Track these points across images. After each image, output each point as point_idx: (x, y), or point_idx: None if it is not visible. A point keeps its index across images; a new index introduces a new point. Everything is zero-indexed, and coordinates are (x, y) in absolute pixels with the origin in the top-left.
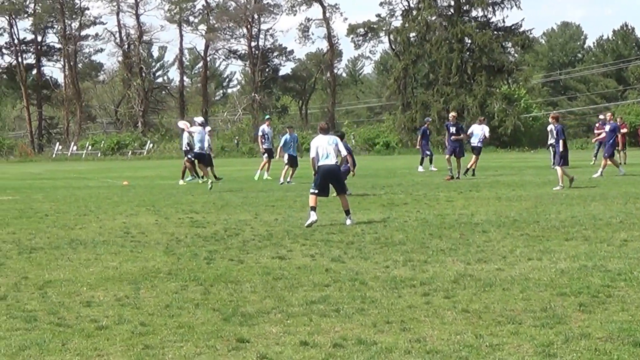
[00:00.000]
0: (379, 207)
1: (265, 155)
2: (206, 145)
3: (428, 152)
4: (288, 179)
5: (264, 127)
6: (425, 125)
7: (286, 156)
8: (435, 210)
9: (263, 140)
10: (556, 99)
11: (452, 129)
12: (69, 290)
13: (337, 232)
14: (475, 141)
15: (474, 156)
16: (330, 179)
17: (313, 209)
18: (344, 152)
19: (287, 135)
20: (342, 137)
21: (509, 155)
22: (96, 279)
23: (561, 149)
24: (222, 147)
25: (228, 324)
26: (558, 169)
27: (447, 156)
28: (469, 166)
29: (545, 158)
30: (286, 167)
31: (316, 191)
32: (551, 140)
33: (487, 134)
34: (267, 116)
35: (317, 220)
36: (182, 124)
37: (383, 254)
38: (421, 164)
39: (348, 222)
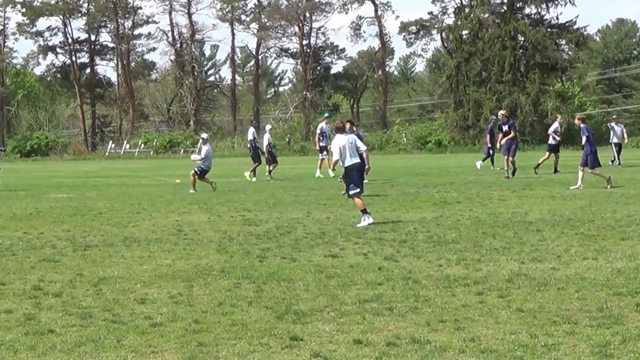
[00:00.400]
0: (432, 206)
1: (324, 152)
2: (266, 143)
3: (491, 151)
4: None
5: (323, 125)
6: (491, 124)
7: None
8: (489, 208)
9: (321, 138)
10: (611, 97)
11: (504, 127)
12: (123, 288)
13: (389, 230)
14: (552, 139)
15: (549, 153)
16: (361, 174)
17: (365, 211)
18: (363, 148)
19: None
20: (352, 123)
21: (563, 153)
22: (150, 277)
23: (588, 149)
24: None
25: (281, 321)
26: (580, 169)
27: (505, 157)
28: (540, 162)
29: (602, 156)
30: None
31: (358, 190)
32: (614, 140)
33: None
34: (326, 114)
35: (373, 222)
36: (251, 132)
37: (436, 252)
38: (483, 161)
39: (366, 221)
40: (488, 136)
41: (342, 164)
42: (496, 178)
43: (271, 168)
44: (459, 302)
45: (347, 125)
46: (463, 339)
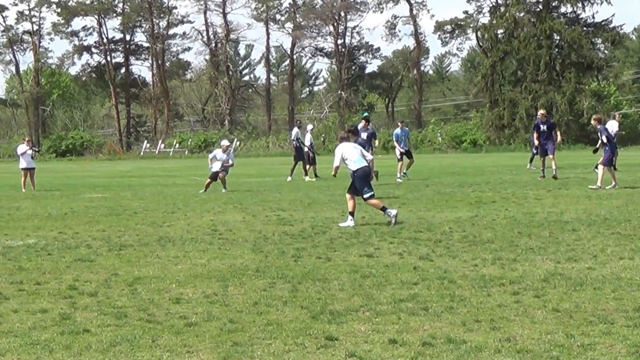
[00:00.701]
0: (467, 205)
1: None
2: (307, 142)
3: (535, 150)
4: (404, 171)
5: (397, 131)
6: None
7: (398, 151)
8: (524, 208)
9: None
10: None
11: (543, 127)
12: (158, 287)
13: (424, 230)
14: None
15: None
16: (365, 179)
17: (384, 209)
18: (369, 157)
19: (399, 130)
20: (368, 120)
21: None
22: (185, 276)
23: (608, 149)
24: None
25: (316, 321)
26: (600, 167)
27: (542, 159)
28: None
29: (637, 155)
30: (400, 162)
31: (372, 192)
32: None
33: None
34: (365, 114)
35: (397, 212)
36: (295, 132)
37: (471, 252)
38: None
39: (347, 223)
40: (535, 134)
41: (350, 167)
42: (532, 177)
43: (308, 168)
44: (495, 301)
45: (360, 127)
46: (499, 339)
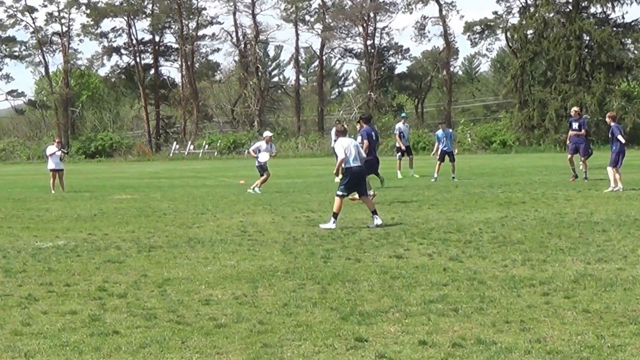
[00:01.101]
0: (497, 206)
1: (400, 154)
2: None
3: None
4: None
5: (400, 125)
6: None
7: (439, 151)
8: (554, 209)
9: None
10: None
11: (575, 125)
12: (187, 289)
13: (454, 231)
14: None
15: None
16: (359, 181)
17: (335, 216)
18: (363, 156)
19: (440, 131)
20: (368, 120)
21: (629, 153)
22: (214, 278)
23: (617, 148)
24: None
25: (346, 322)
26: (609, 169)
27: (569, 156)
28: None
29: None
30: (439, 162)
31: (345, 193)
32: None
33: None
34: (404, 114)
35: (329, 226)
36: (334, 132)
37: (501, 253)
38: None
39: (376, 221)
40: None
41: (346, 163)
42: (561, 178)
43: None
44: (525, 302)
45: (359, 124)
46: (529, 340)
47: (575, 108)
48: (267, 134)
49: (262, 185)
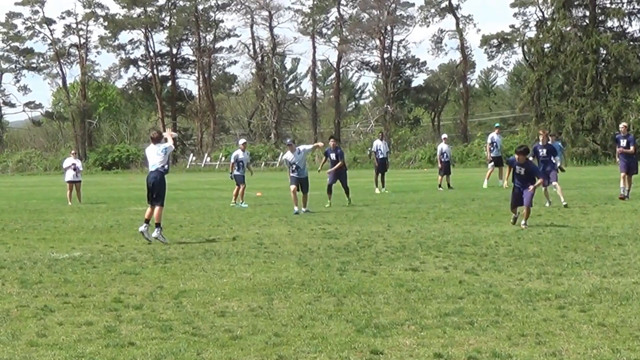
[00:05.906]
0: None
1: (492, 163)
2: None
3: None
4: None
5: (494, 135)
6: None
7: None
8: (570, 222)
9: (491, 148)
10: None
11: (623, 142)
12: (203, 300)
13: (470, 244)
14: None
15: None
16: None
17: (157, 225)
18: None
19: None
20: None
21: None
22: (230, 289)
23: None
24: (355, 159)
25: (361, 335)
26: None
27: (622, 174)
28: None
29: None
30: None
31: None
32: None
33: None
34: (497, 124)
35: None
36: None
37: (517, 266)
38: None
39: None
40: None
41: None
42: (577, 192)
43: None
44: (540, 316)
45: (331, 142)
46: (544, 353)
47: (623, 124)
48: (242, 141)
49: (243, 197)
